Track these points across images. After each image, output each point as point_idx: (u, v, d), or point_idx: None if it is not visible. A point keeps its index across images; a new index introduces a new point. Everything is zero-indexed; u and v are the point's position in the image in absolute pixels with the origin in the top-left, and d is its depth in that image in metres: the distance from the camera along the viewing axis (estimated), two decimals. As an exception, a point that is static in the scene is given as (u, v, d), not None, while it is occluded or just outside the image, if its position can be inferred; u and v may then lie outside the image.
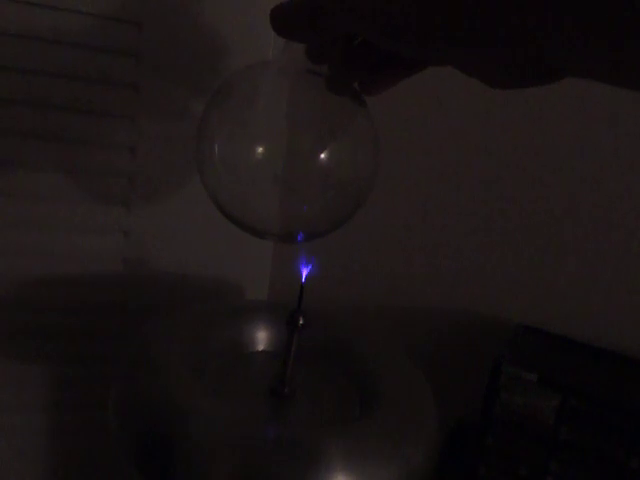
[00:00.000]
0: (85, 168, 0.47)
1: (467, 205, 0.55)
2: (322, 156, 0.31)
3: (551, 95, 0.50)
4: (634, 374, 0.52)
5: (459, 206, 0.55)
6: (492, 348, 0.51)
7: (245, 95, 0.33)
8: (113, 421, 0.35)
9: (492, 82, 0.24)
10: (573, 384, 0.47)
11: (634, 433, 0.45)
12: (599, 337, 0.54)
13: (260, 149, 0.31)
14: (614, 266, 0.54)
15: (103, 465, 0.56)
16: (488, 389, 0.48)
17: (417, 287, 0.58)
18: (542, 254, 0.55)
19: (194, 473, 0.31)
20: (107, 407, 0.36)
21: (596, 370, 0.52)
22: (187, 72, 0.47)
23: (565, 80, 0.23)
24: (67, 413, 0.54)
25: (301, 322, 0.36)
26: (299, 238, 0.34)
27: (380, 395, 0.37)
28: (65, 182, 0.47)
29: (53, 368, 0.52)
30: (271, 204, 0.33)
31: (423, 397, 0.38)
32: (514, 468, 0.49)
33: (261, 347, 0.43)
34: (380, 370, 0.40)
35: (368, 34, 0.25)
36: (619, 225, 0.53)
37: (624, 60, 0.19)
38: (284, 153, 0.31)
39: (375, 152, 0.34)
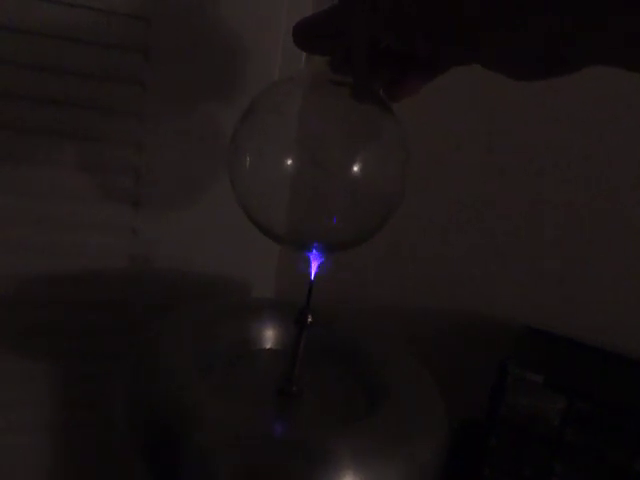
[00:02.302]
0: (92, 165, 0.47)
1: (472, 206, 0.55)
2: (351, 166, 0.31)
3: (560, 97, 0.50)
4: (640, 376, 0.52)
5: (464, 207, 0.55)
6: (498, 349, 0.51)
7: (273, 110, 0.34)
8: (120, 420, 0.35)
9: (515, 75, 0.24)
10: (579, 386, 0.47)
11: (639, 435, 0.45)
12: (605, 339, 0.54)
13: (288, 161, 0.31)
14: (620, 268, 0.54)
15: (108, 462, 0.56)
16: (493, 390, 0.48)
17: (423, 288, 0.58)
18: (548, 255, 0.55)
19: (201, 472, 0.31)
20: (114, 406, 0.36)
21: (602, 372, 0.52)
22: (195, 69, 0.46)
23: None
24: (72, 410, 0.54)
25: (309, 320, 0.36)
26: (323, 252, 0.34)
27: (387, 394, 0.37)
28: (72, 179, 0.47)
29: (59, 365, 0.52)
30: (299, 215, 0.33)
31: (430, 396, 0.38)
32: (518, 469, 0.49)
33: (268, 345, 0.43)
34: (387, 369, 0.40)
35: (388, 37, 0.25)
36: (625, 227, 0.53)
37: None
38: (312, 165, 0.32)
39: (405, 159, 0.33)
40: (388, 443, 0.33)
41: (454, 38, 0.22)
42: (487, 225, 0.56)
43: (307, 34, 0.27)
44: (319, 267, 0.36)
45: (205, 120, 0.48)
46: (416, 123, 0.52)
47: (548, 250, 0.55)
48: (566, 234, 0.54)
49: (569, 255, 0.55)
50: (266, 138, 0.33)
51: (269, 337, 0.43)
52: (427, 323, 0.59)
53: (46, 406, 0.53)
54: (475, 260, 0.57)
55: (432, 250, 0.57)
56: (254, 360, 0.42)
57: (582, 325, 0.55)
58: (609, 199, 0.53)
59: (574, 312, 0.55)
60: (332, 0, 0.28)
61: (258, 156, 0.33)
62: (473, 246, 0.56)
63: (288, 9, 0.47)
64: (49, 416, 0.54)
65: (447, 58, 0.27)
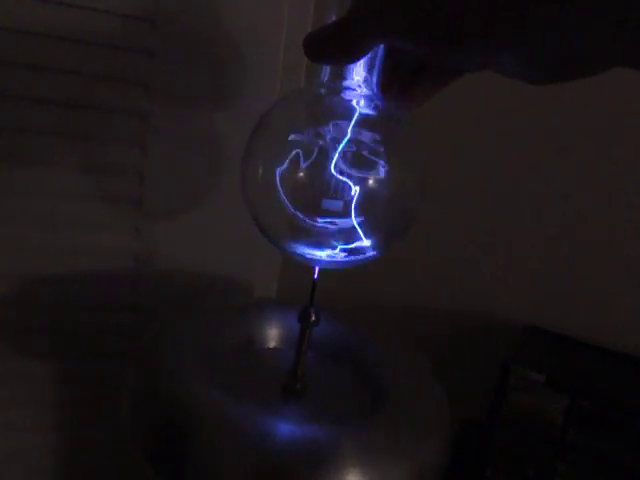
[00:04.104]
0: (96, 166, 0.47)
1: (475, 207, 0.56)
2: (364, 178, 0.31)
3: (566, 101, 0.51)
4: (642, 375, 0.52)
5: (468, 208, 0.56)
6: (500, 348, 0.51)
7: (283, 122, 0.34)
8: (126, 419, 0.35)
9: (534, 80, 0.24)
10: (581, 385, 0.47)
11: (642, 434, 0.45)
12: (608, 338, 0.54)
13: (299, 174, 0.31)
14: (622, 267, 0.54)
15: (108, 462, 0.56)
16: (496, 389, 0.48)
17: (425, 287, 0.58)
18: (550, 255, 0.55)
19: (207, 469, 0.31)
20: (120, 405, 0.36)
21: (604, 371, 0.52)
22: (199, 70, 0.47)
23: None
24: (73, 410, 0.54)
25: (313, 318, 0.36)
26: (331, 266, 0.34)
27: (391, 392, 0.37)
28: (77, 179, 0.47)
29: (61, 365, 0.52)
30: (308, 228, 0.33)
31: (435, 395, 0.38)
32: (521, 469, 0.49)
33: (272, 344, 0.43)
34: (391, 368, 0.40)
35: (398, 41, 0.25)
36: (627, 226, 0.53)
37: None
38: (326, 176, 0.31)
39: (422, 167, 0.33)
40: (392, 441, 0.33)
41: (454, 41, 0.23)
42: (489, 225, 0.56)
43: (318, 46, 0.28)
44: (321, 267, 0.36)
45: (208, 121, 0.48)
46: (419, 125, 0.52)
47: (550, 249, 0.55)
48: (568, 233, 0.55)
49: (571, 254, 0.55)
50: (277, 150, 0.33)
51: (273, 336, 0.43)
52: (429, 323, 0.59)
53: (46, 406, 0.53)
54: (477, 260, 0.57)
55: (434, 250, 0.57)
56: (258, 359, 0.42)
57: (584, 324, 0.55)
58: (611, 198, 0.53)
59: (576, 311, 0.55)
60: (333, 3, 0.29)
61: (269, 169, 0.33)
62: (475, 246, 0.57)
63: (289, 10, 0.48)
64: (49, 416, 0.54)
65: (453, 62, 0.27)
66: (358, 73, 0.31)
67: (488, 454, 0.50)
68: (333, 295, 0.44)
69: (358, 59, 0.28)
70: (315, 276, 0.36)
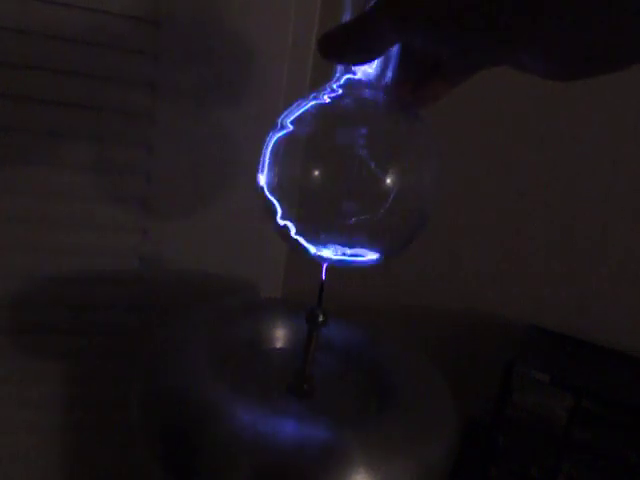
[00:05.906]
0: (103, 166, 0.47)
1: (480, 207, 0.56)
2: (381, 177, 0.30)
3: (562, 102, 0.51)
4: (646, 375, 0.52)
5: (472, 208, 0.56)
6: (504, 348, 0.51)
7: (302, 121, 0.33)
8: (134, 419, 0.35)
9: (553, 77, 0.24)
10: (585, 385, 0.47)
11: (646, 434, 0.45)
12: (611, 338, 0.54)
13: (316, 172, 0.31)
14: (625, 267, 0.54)
15: (120, 462, 0.56)
16: (500, 389, 0.48)
17: (430, 287, 0.58)
18: (554, 255, 0.55)
19: (215, 470, 0.31)
20: (128, 405, 0.36)
21: (608, 371, 0.52)
22: (204, 71, 0.47)
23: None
24: (84, 410, 0.55)
25: (320, 319, 0.36)
26: (347, 265, 0.34)
27: (398, 393, 0.37)
28: (83, 180, 0.47)
29: (69, 365, 0.52)
30: (324, 226, 0.33)
31: (441, 395, 0.39)
32: (526, 469, 0.49)
33: (279, 344, 0.43)
34: (398, 368, 0.41)
35: (423, 39, 0.25)
36: (628, 227, 0.53)
37: None
38: (345, 176, 0.31)
39: (438, 166, 0.33)
40: (399, 442, 0.33)
41: (471, 38, 0.22)
42: (494, 225, 0.56)
43: (336, 45, 0.27)
44: (329, 267, 0.36)
45: (214, 122, 0.48)
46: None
47: (554, 250, 0.55)
48: (572, 234, 0.55)
49: (575, 255, 0.55)
50: (295, 148, 0.33)
51: (280, 336, 0.43)
52: (433, 323, 0.59)
53: (48, 406, 0.54)
54: (481, 260, 0.57)
55: (439, 250, 0.57)
56: (265, 359, 0.42)
57: (588, 324, 0.55)
58: (611, 199, 0.53)
59: (580, 311, 0.56)
60: (348, 2, 0.29)
61: (287, 166, 0.33)
62: (479, 246, 0.57)
63: (295, 10, 0.48)
64: (50, 416, 0.54)
65: (471, 58, 0.27)
66: (374, 71, 0.31)
67: (492, 454, 0.50)
68: (334, 295, 0.44)
69: (377, 58, 0.27)
70: (323, 277, 0.36)
